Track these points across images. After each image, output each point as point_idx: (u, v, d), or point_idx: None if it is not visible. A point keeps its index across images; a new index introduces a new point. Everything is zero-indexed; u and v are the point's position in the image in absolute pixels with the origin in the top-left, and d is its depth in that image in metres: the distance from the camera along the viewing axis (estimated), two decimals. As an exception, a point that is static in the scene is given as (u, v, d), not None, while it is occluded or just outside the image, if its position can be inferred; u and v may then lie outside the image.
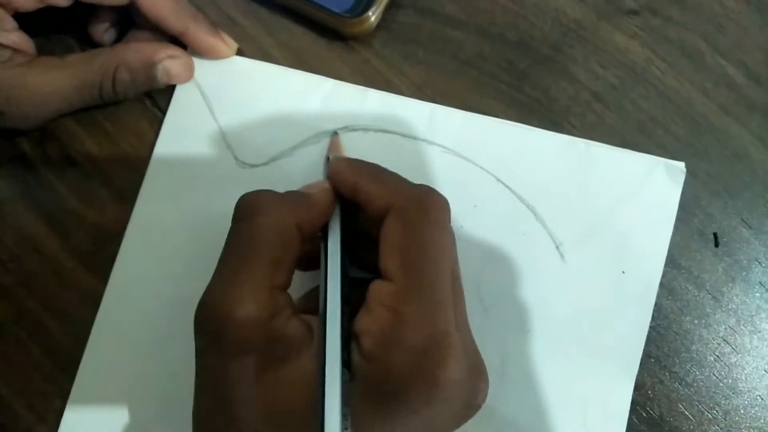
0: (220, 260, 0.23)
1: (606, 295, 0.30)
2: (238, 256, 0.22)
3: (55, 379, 0.30)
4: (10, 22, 0.29)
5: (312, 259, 0.25)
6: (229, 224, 0.30)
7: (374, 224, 0.24)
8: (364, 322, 0.22)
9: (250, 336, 0.21)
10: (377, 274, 0.23)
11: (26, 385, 0.30)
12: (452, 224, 0.30)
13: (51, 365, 0.30)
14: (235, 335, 0.21)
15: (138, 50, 0.29)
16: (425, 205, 0.23)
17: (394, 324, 0.21)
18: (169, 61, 0.30)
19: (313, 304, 0.24)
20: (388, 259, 0.22)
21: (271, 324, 0.21)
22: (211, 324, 0.21)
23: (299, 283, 0.26)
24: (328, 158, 0.28)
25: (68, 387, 0.29)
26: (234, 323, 0.21)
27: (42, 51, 0.30)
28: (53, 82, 0.28)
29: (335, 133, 0.31)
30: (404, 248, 0.22)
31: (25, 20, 0.29)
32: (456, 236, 0.30)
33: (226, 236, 0.31)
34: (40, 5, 0.29)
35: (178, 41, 0.31)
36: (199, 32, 0.30)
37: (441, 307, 0.21)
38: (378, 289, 0.22)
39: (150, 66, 0.30)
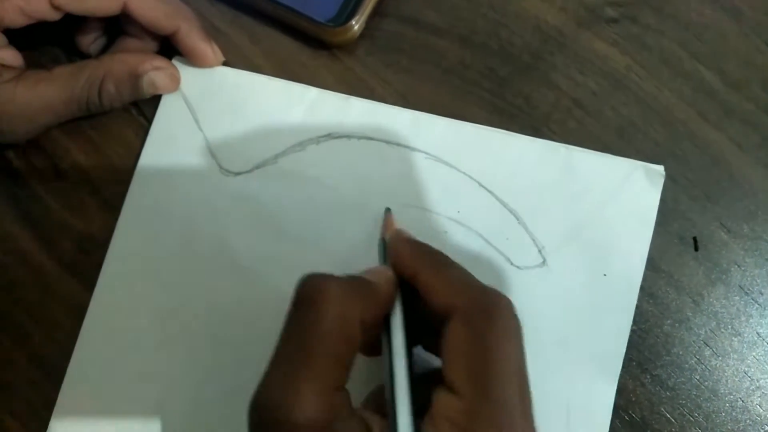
0: (278, 347, 0.21)
1: (588, 298, 0.31)
2: (298, 351, 0.21)
3: (41, 388, 0.30)
4: (1, 39, 0.29)
5: (375, 344, 0.24)
6: (213, 230, 0.31)
7: (434, 316, 0.23)
8: None
9: None
10: (437, 354, 0.22)
11: (12, 395, 0.30)
12: (435, 230, 0.31)
13: (37, 374, 0.30)
14: None
15: (124, 61, 0.30)
16: (492, 312, 0.22)
17: None
18: (154, 72, 0.30)
19: (379, 403, 0.23)
20: (454, 369, 0.21)
21: (330, 428, 0.20)
22: (266, 425, 0.20)
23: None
24: (383, 240, 0.27)
25: (54, 396, 0.29)
26: (290, 427, 0.19)
27: (29, 61, 0.31)
28: (41, 96, 0.29)
29: (388, 210, 0.30)
30: (471, 360, 0.21)
31: (12, 32, 0.30)
32: (439, 243, 0.31)
33: (210, 246, 0.31)
34: (29, 21, 0.29)
35: (166, 48, 0.31)
36: (190, 33, 0.30)
37: (509, 427, 0.20)
38: (444, 402, 0.21)
39: (136, 77, 0.30)
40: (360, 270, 0.24)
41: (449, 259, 0.24)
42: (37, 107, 0.29)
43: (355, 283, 0.23)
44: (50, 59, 0.33)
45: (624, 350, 0.30)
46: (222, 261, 0.30)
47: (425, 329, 0.24)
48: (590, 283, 0.31)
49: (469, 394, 0.20)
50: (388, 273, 0.24)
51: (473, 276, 0.24)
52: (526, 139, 0.32)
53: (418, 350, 0.25)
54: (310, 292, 0.22)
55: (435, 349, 0.24)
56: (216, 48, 0.32)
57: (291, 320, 0.22)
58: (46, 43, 0.33)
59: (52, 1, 0.28)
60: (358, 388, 0.25)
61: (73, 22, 0.31)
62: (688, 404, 0.31)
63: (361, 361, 0.26)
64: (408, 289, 0.24)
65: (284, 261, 0.31)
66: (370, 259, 0.30)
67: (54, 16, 0.29)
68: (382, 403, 0.23)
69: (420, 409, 0.22)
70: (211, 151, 0.31)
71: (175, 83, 0.31)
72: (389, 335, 0.23)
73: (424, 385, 0.22)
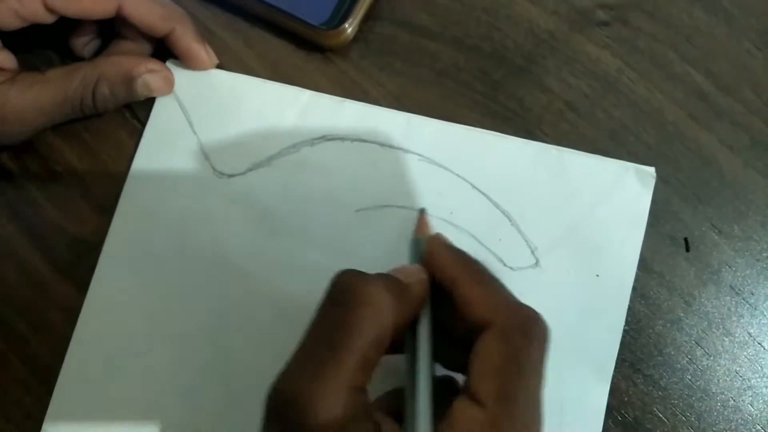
0: (306, 339, 0.21)
1: (580, 298, 0.31)
2: (329, 346, 0.20)
3: (34, 390, 0.30)
4: None
5: (396, 342, 0.23)
6: (207, 232, 0.31)
7: (463, 326, 0.22)
8: None
9: None
10: (451, 367, 0.23)
11: (4, 397, 0.30)
12: (430, 232, 0.31)
13: (29, 377, 0.30)
14: None
15: (117, 64, 0.30)
16: (531, 332, 0.21)
17: None
18: (148, 75, 0.30)
19: (391, 405, 0.23)
20: (483, 382, 0.21)
21: (347, 427, 0.20)
22: (287, 416, 0.20)
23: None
24: (416, 239, 0.26)
25: (47, 398, 0.29)
26: (312, 422, 0.19)
27: (23, 64, 0.31)
28: (35, 99, 0.29)
29: (422, 210, 0.29)
30: (502, 375, 0.21)
31: (6, 35, 0.30)
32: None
33: (204, 248, 0.31)
34: (23, 24, 0.29)
35: (160, 50, 0.32)
36: (184, 35, 0.30)
37: None
38: (468, 413, 0.21)
39: (130, 80, 0.30)
40: (391, 269, 0.24)
41: (491, 271, 0.24)
42: (31, 110, 0.29)
43: (391, 285, 0.22)
44: (44, 62, 0.33)
45: (617, 351, 0.30)
46: (216, 263, 0.31)
47: (445, 338, 0.24)
48: (583, 283, 0.31)
49: (494, 408, 0.20)
50: (422, 275, 0.24)
51: (513, 294, 0.23)
52: (518, 141, 0.32)
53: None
54: (348, 291, 0.21)
55: (448, 359, 0.24)
56: (210, 50, 0.32)
57: (324, 316, 0.21)
58: (41, 45, 0.33)
59: (47, 3, 0.28)
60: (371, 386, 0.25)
61: (68, 25, 0.31)
62: (680, 404, 0.31)
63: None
64: (436, 294, 0.24)
65: (278, 262, 0.31)
66: (364, 260, 0.30)
67: (48, 18, 0.29)
68: (395, 405, 0.23)
69: (433, 416, 0.21)
70: (205, 154, 0.32)
71: (170, 86, 0.31)
72: (415, 337, 0.23)
73: (438, 392, 0.22)
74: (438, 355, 0.24)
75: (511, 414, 0.20)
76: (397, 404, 0.23)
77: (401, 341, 0.24)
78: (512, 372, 0.21)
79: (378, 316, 0.21)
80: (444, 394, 0.22)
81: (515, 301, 0.23)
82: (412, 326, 0.23)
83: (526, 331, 0.21)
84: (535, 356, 0.21)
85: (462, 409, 0.21)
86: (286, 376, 0.20)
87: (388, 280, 0.22)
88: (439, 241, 0.25)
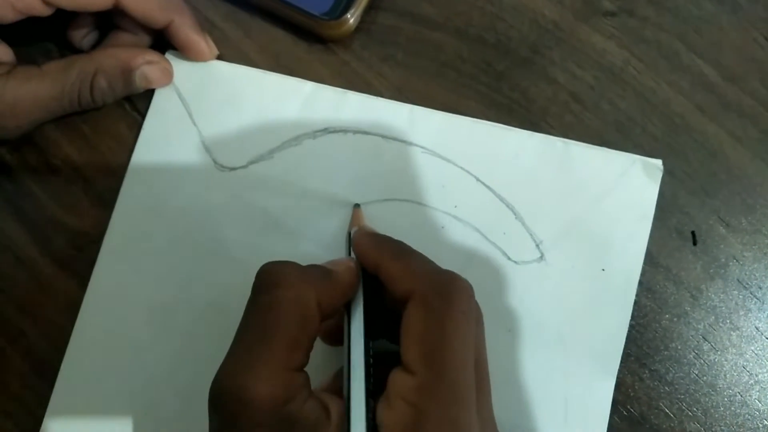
0: (237, 332, 0.22)
1: (586, 292, 0.30)
2: (255, 333, 0.22)
3: (35, 385, 0.29)
4: None
5: (338, 334, 0.25)
6: (207, 225, 0.30)
7: (395, 305, 0.23)
8: (385, 415, 0.21)
9: (264, 420, 0.20)
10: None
11: (5, 392, 0.29)
12: (433, 225, 0.31)
13: (30, 372, 0.30)
14: (249, 419, 0.20)
15: (115, 56, 0.29)
16: (449, 294, 0.22)
17: (415, 421, 0.20)
18: (147, 66, 0.30)
19: (337, 384, 0.24)
20: (410, 349, 0.21)
21: (286, 407, 0.21)
22: (225, 405, 0.21)
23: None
24: (350, 233, 0.27)
25: (48, 393, 0.29)
26: (248, 406, 0.20)
27: (20, 56, 0.30)
28: (32, 92, 0.28)
29: (357, 206, 0.30)
30: (426, 340, 0.21)
31: (3, 28, 0.29)
32: (436, 238, 0.31)
33: (205, 242, 0.31)
34: (20, 17, 0.28)
35: (159, 42, 0.31)
36: (183, 25, 0.30)
37: (463, 405, 0.21)
38: (399, 381, 0.21)
39: (128, 72, 0.29)
40: (324, 262, 0.25)
41: (410, 247, 0.25)
42: (28, 103, 0.28)
43: (312, 268, 0.23)
44: (42, 54, 0.33)
45: (623, 345, 0.30)
46: (217, 257, 0.30)
47: (392, 322, 0.24)
48: (588, 277, 0.30)
49: (423, 372, 0.21)
50: (350, 263, 0.25)
51: (433, 262, 0.24)
52: (523, 133, 0.32)
53: (384, 343, 0.25)
54: (267, 278, 0.23)
55: (395, 338, 0.25)
56: (210, 41, 0.31)
57: (249, 305, 0.22)
58: (38, 38, 0.33)
59: None
60: (324, 373, 0.26)
61: (65, 17, 0.31)
62: (687, 399, 0.30)
63: (327, 348, 0.26)
64: (376, 283, 0.24)
65: (280, 256, 0.30)
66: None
67: (45, 11, 0.29)
68: (341, 386, 0.23)
69: (379, 392, 0.22)
70: (206, 146, 0.31)
71: (168, 77, 0.31)
72: (350, 322, 0.24)
73: (384, 369, 0.22)
74: (388, 335, 0.25)
75: (440, 376, 0.21)
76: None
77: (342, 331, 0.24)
78: (435, 336, 0.21)
79: (296, 296, 0.22)
80: (388, 370, 0.23)
81: (433, 269, 0.23)
82: (347, 311, 0.24)
83: (445, 294, 0.22)
84: (457, 317, 0.22)
85: (395, 379, 0.21)
86: (222, 368, 0.21)
87: (310, 266, 0.23)
88: (363, 230, 0.27)
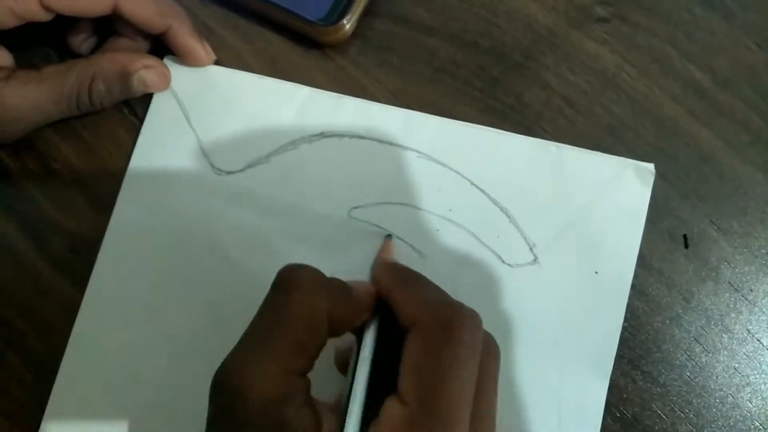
0: (249, 326, 0.22)
1: (579, 295, 0.31)
2: (264, 330, 0.22)
3: (33, 387, 0.30)
4: None
5: (346, 363, 0.25)
6: (205, 229, 0.31)
7: (403, 332, 0.23)
8: None
9: (255, 418, 0.20)
10: None
11: (3, 395, 0.30)
12: (427, 229, 0.31)
13: (29, 374, 0.30)
14: (242, 413, 0.20)
15: (113, 60, 0.30)
16: (450, 325, 0.21)
17: None
18: (144, 71, 0.30)
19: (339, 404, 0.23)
20: (405, 379, 0.21)
21: (279, 409, 0.21)
22: (222, 395, 0.21)
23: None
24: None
25: (46, 396, 0.29)
26: (243, 401, 0.20)
27: (21, 61, 0.31)
28: (31, 96, 0.28)
29: (389, 236, 0.31)
30: (422, 371, 0.21)
31: (3, 33, 0.30)
32: (431, 241, 0.31)
33: (202, 245, 0.31)
34: (20, 22, 0.29)
35: (158, 47, 0.31)
36: (181, 31, 0.30)
37: None
38: (392, 410, 0.21)
39: (125, 76, 0.30)
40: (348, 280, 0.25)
41: (424, 277, 0.24)
42: (27, 107, 0.28)
43: (332, 279, 0.23)
44: (42, 59, 0.33)
45: (616, 347, 0.30)
46: (215, 260, 0.30)
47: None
48: (581, 280, 0.31)
49: (414, 405, 0.20)
50: (370, 286, 0.25)
51: (445, 293, 0.23)
52: (517, 137, 0.32)
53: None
54: (285, 279, 0.23)
55: None
56: (208, 47, 0.32)
57: (265, 301, 0.23)
58: (39, 42, 0.33)
59: (43, 1, 0.28)
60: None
61: (65, 22, 0.31)
62: (679, 401, 0.31)
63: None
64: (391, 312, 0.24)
65: (277, 260, 0.30)
66: (363, 257, 0.30)
67: (44, 16, 0.29)
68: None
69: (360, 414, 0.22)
70: (204, 151, 0.31)
71: (166, 81, 0.31)
72: (360, 344, 0.23)
73: (384, 396, 0.22)
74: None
75: (430, 412, 0.20)
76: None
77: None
78: (431, 369, 0.21)
79: (307, 301, 0.22)
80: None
81: (441, 300, 0.23)
82: (358, 335, 0.24)
83: (447, 327, 0.21)
84: (458, 353, 0.21)
85: (388, 407, 0.21)
86: (227, 360, 0.22)
87: (328, 277, 0.23)
88: (383, 259, 0.27)
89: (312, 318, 0.22)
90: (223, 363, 0.22)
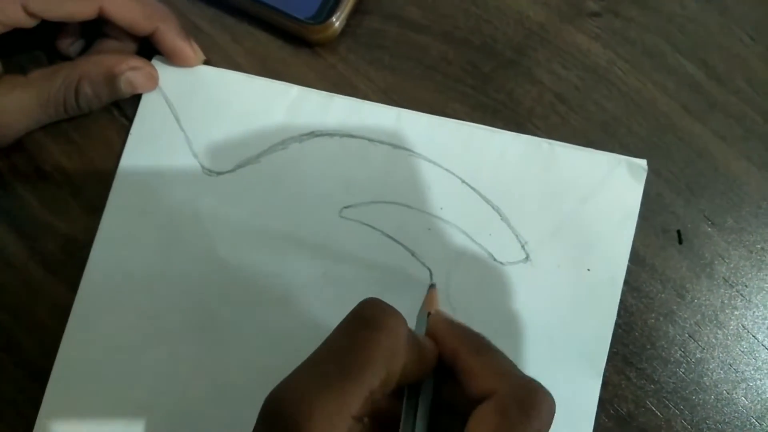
0: (318, 354, 0.21)
1: (572, 292, 0.31)
2: (337, 364, 0.20)
3: (26, 389, 0.30)
4: None
5: (389, 425, 0.22)
6: (196, 230, 0.31)
7: (464, 399, 0.22)
8: None
9: None
10: None
11: (-4, 396, 0.30)
12: (419, 227, 0.31)
13: (22, 375, 0.30)
14: None
15: (99, 63, 0.30)
16: (531, 407, 0.20)
17: None
18: (131, 72, 0.30)
19: None
20: None
21: None
22: (279, 421, 0.19)
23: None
24: (421, 313, 0.26)
25: (39, 396, 0.29)
26: None
27: (9, 65, 0.30)
28: (18, 101, 0.29)
29: (432, 286, 0.29)
30: None
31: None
32: (423, 240, 0.31)
33: (193, 245, 0.31)
34: (5, 29, 0.29)
35: (147, 47, 0.31)
36: (168, 32, 0.30)
37: None
38: None
39: (112, 78, 0.30)
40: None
41: (491, 343, 0.23)
42: (14, 112, 0.28)
43: (410, 332, 0.22)
44: (31, 63, 0.33)
45: (609, 344, 0.30)
46: (205, 261, 0.30)
47: (446, 412, 0.23)
48: (574, 277, 0.31)
49: None
50: (434, 346, 0.23)
51: (515, 365, 0.23)
52: (509, 135, 0.32)
53: None
54: (374, 316, 0.21)
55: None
56: (196, 47, 0.32)
57: (343, 332, 0.21)
58: (27, 46, 0.33)
59: (27, 8, 0.28)
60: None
61: (53, 26, 0.31)
62: (674, 397, 0.31)
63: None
64: (438, 369, 0.23)
65: (268, 260, 0.31)
66: (353, 258, 0.30)
67: (30, 23, 0.29)
68: None
69: None
70: (193, 151, 0.31)
71: (153, 82, 0.31)
72: (416, 401, 0.22)
73: None
74: (439, 428, 0.23)
75: None
76: None
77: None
78: None
79: (393, 346, 0.20)
80: None
81: (520, 375, 0.22)
82: (411, 391, 0.23)
83: (526, 406, 0.20)
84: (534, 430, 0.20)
85: None
86: (290, 385, 0.20)
87: (409, 327, 0.22)
88: (439, 316, 0.25)
89: (389, 367, 0.20)
90: (283, 386, 0.20)
